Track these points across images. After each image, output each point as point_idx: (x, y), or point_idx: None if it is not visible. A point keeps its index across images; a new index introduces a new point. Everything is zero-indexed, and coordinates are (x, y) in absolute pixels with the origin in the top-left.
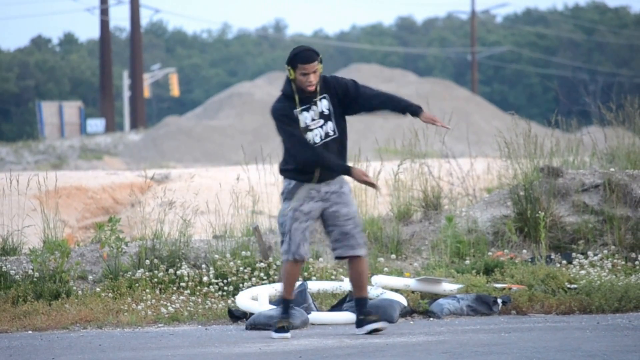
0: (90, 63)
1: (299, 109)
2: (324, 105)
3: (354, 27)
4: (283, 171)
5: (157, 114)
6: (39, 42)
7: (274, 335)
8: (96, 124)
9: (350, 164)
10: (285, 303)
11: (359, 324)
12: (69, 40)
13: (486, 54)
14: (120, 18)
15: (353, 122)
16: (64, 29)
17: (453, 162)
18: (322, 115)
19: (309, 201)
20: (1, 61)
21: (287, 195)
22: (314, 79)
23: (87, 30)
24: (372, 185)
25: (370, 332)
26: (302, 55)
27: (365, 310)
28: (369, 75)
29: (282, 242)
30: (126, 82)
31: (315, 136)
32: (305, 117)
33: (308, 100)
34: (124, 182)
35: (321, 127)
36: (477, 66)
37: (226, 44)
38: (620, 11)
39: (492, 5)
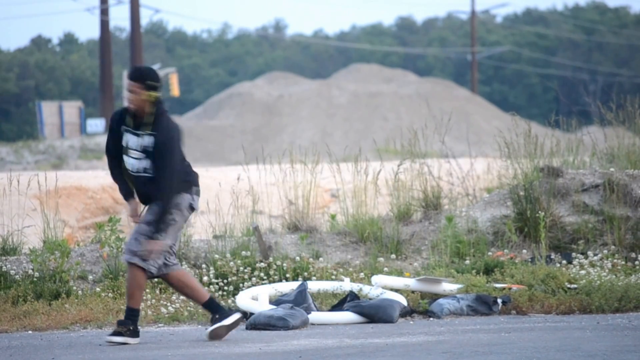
0: (90, 63)
1: (126, 128)
2: (148, 141)
3: (354, 27)
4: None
5: None
6: (39, 42)
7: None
8: (96, 124)
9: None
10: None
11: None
12: (69, 40)
13: (486, 54)
14: (120, 18)
15: (353, 122)
16: (64, 29)
17: (453, 162)
18: (145, 149)
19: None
20: (1, 61)
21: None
22: (131, 97)
23: (87, 30)
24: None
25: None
26: (131, 71)
27: (119, 320)
28: (369, 75)
29: None
30: (126, 82)
31: (129, 164)
32: (127, 139)
33: (137, 126)
34: None
35: (139, 160)
36: (477, 66)
37: (226, 44)
38: (620, 11)
39: (492, 5)
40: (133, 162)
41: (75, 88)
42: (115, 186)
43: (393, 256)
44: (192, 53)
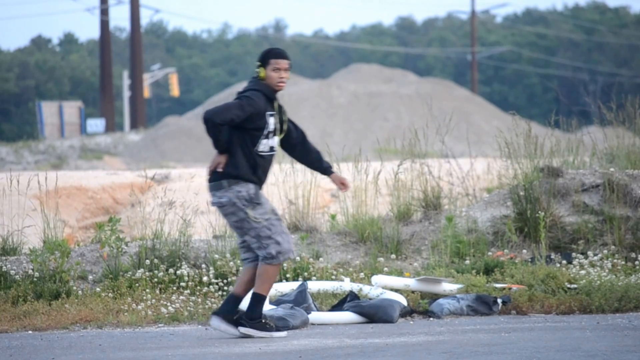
0: (90, 63)
1: (270, 112)
2: (273, 120)
3: (354, 27)
4: (237, 177)
5: (157, 114)
6: (39, 42)
7: (276, 335)
8: (96, 124)
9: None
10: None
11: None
12: (69, 40)
13: (486, 54)
14: (120, 18)
15: (353, 122)
16: (64, 29)
17: (453, 162)
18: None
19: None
20: (1, 61)
21: (256, 200)
22: (286, 76)
23: (87, 30)
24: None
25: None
26: (276, 51)
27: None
28: (369, 75)
29: (267, 244)
30: (126, 82)
31: (269, 146)
32: (271, 122)
33: (273, 107)
34: (124, 182)
35: (270, 138)
36: (477, 66)
37: (226, 44)
38: (620, 11)
39: (492, 5)
40: (273, 143)
41: (75, 88)
42: (115, 186)
43: (393, 256)
44: (192, 53)
